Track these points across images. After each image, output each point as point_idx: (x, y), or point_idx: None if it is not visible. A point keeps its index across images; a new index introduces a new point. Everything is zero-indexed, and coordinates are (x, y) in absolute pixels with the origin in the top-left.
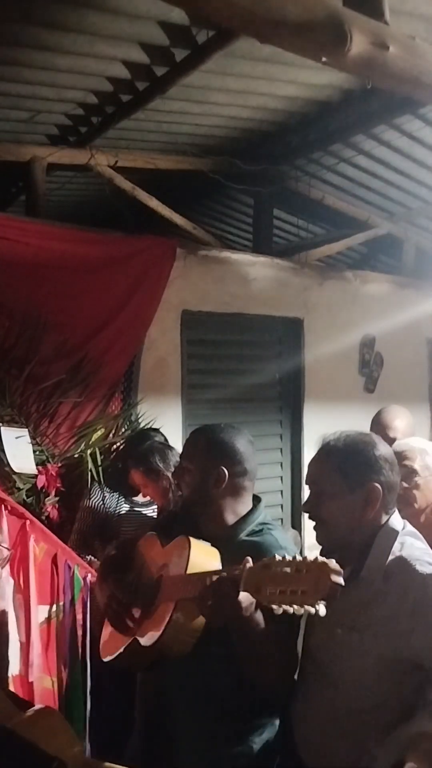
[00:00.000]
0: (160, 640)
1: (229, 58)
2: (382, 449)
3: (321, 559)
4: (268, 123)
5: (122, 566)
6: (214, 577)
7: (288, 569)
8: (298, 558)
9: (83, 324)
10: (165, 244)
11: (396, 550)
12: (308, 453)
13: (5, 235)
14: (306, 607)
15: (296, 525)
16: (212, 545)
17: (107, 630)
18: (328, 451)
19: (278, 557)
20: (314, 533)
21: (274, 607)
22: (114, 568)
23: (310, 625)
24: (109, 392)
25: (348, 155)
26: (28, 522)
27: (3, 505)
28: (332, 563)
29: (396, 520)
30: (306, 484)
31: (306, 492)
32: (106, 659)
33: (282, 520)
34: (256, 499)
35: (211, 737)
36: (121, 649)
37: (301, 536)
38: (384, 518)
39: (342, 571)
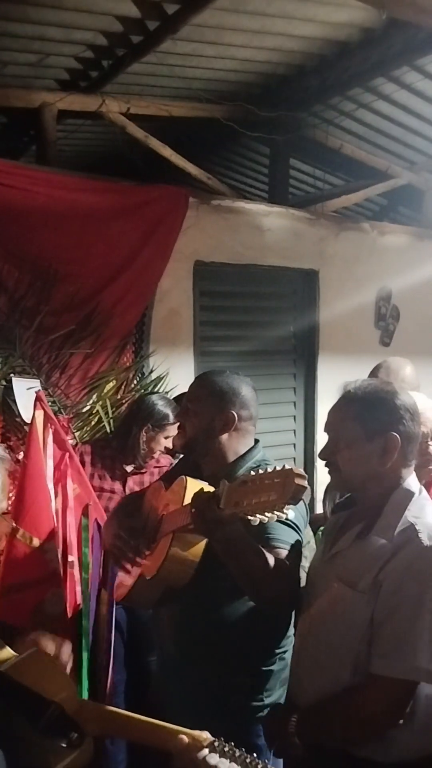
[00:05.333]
0: (160, 571)
1: None
2: (404, 398)
3: (288, 466)
4: (284, 66)
5: (129, 512)
6: (198, 499)
7: (261, 481)
8: (269, 470)
9: (94, 274)
10: (177, 193)
11: (409, 515)
12: (322, 407)
13: (14, 184)
14: (276, 512)
15: (309, 479)
16: (213, 483)
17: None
18: (348, 399)
19: (252, 473)
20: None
21: (250, 518)
22: (121, 514)
23: (311, 572)
24: (121, 344)
25: (367, 100)
26: (68, 455)
27: (50, 425)
28: (297, 469)
29: (413, 482)
30: (324, 431)
31: (321, 442)
32: (119, 600)
33: None
34: (255, 441)
35: (222, 669)
36: (131, 586)
37: (312, 490)
38: (402, 473)
39: (305, 475)
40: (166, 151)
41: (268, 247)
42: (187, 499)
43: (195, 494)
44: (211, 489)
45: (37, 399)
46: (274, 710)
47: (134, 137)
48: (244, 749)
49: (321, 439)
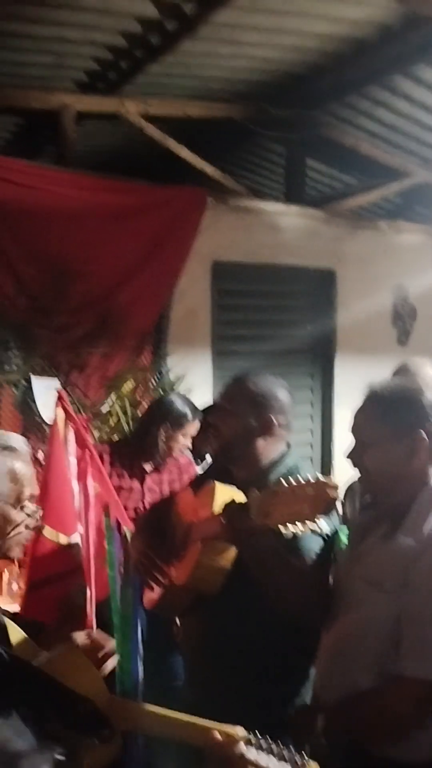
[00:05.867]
0: (190, 579)
1: None
2: (430, 397)
3: (320, 477)
4: (300, 64)
5: (155, 526)
6: (229, 509)
7: (293, 492)
8: (301, 480)
9: (111, 273)
10: (194, 193)
11: None
12: (339, 406)
13: (34, 184)
14: (308, 523)
15: None
16: (244, 488)
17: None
18: (373, 399)
19: (284, 482)
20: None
21: (282, 528)
22: (147, 528)
23: (337, 573)
24: (139, 344)
25: (384, 98)
26: (88, 453)
27: (71, 423)
28: (329, 479)
29: None
30: (350, 433)
31: (339, 441)
32: (149, 607)
33: None
34: (287, 445)
35: (253, 676)
36: (160, 594)
37: None
38: (430, 471)
39: (338, 485)
40: (183, 152)
41: (285, 246)
42: (217, 507)
43: (225, 505)
44: (241, 496)
45: (59, 397)
46: (299, 709)
47: (152, 138)
48: (279, 741)
49: (338, 438)
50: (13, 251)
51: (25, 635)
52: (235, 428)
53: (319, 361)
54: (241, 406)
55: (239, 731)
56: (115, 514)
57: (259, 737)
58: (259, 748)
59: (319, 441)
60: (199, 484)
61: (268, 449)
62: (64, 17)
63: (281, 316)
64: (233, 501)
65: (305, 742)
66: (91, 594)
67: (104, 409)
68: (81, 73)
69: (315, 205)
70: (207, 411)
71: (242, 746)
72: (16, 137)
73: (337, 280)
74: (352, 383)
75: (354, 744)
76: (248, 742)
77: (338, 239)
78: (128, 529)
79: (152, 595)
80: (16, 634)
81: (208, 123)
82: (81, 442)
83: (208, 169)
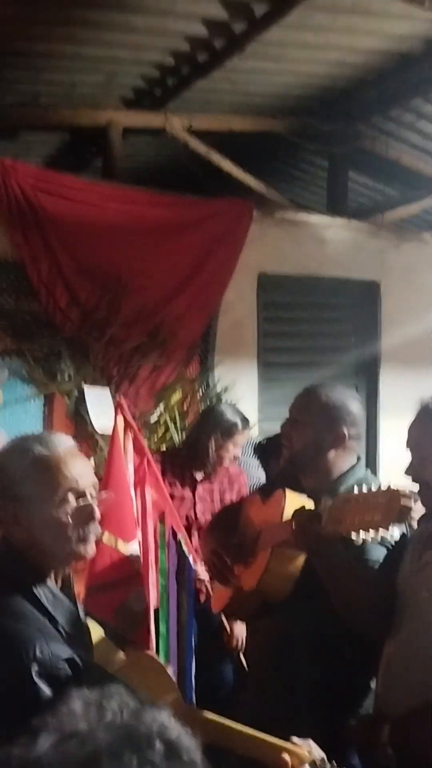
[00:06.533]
0: (259, 584)
1: (310, 10)
2: None
3: (393, 485)
4: (344, 79)
5: (226, 527)
6: (300, 516)
7: (365, 500)
8: (374, 489)
9: (161, 287)
10: (241, 206)
11: None
12: (384, 418)
13: (86, 200)
14: (381, 530)
15: None
16: (313, 497)
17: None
18: (428, 413)
19: (356, 490)
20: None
21: (353, 535)
22: (219, 529)
23: (400, 583)
24: (187, 355)
25: (427, 110)
26: (146, 460)
27: (129, 431)
28: (403, 489)
29: None
30: (407, 447)
31: (384, 453)
32: (216, 611)
33: None
34: (356, 458)
35: (320, 682)
36: (228, 598)
37: None
38: None
39: (411, 495)
40: (227, 165)
41: (330, 258)
42: (287, 514)
43: (296, 511)
44: (311, 503)
45: (118, 405)
46: (363, 719)
47: (196, 152)
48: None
49: (383, 450)
50: (67, 265)
51: (104, 636)
52: (306, 440)
53: (363, 372)
54: (313, 417)
55: (307, 753)
56: (170, 521)
57: (326, 762)
58: None
59: (363, 452)
60: (267, 490)
61: (338, 461)
62: (116, 38)
63: (326, 328)
64: (303, 508)
65: (370, 752)
66: (149, 600)
67: (152, 419)
68: (128, 90)
69: (357, 217)
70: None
71: None
72: (61, 153)
73: (382, 292)
74: (397, 395)
75: (418, 756)
76: (313, 765)
77: (382, 251)
78: (182, 537)
79: (221, 596)
80: (97, 634)
81: (251, 136)
82: (139, 450)
83: (252, 182)
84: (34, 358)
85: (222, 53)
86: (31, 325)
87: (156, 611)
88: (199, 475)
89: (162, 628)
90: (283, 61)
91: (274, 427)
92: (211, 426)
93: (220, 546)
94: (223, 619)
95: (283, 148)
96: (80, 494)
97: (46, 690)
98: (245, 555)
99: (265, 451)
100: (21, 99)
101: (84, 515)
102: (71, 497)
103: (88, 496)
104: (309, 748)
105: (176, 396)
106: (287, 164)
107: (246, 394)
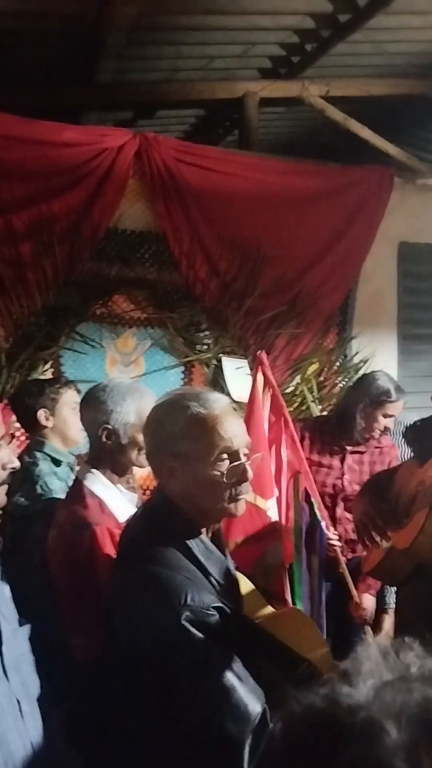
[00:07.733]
0: (413, 545)
1: None
2: None
3: None
4: None
5: (380, 489)
6: None
7: None
8: None
9: (300, 256)
10: (382, 173)
11: None
12: None
13: (225, 170)
14: None
15: None
16: None
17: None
18: None
19: None
20: None
21: None
22: (372, 491)
23: None
24: (325, 326)
25: None
26: (283, 419)
27: (269, 389)
28: None
29: None
30: None
31: None
32: (366, 570)
33: None
34: None
35: None
36: (380, 559)
37: None
38: None
39: None
40: (366, 132)
41: None
42: None
43: None
44: None
45: (259, 362)
46: None
47: (333, 120)
48: None
49: None
50: (207, 235)
51: (254, 588)
52: None
53: None
54: None
55: None
56: (304, 483)
57: None
58: None
59: None
60: (424, 457)
61: None
62: (257, 5)
63: None
64: None
65: None
66: (285, 554)
67: (288, 390)
68: (265, 60)
69: None
70: None
71: None
72: (196, 128)
73: None
74: None
75: None
76: None
77: None
78: (315, 499)
79: (374, 558)
80: (246, 587)
81: (390, 101)
82: (276, 409)
83: (392, 148)
84: (174, 328)
85: (366, 10)
86: (173, 296)
87: (290, 571)
88: (349, 446)
89: (298, 589)
90: (430, 14)
91: (415, 402)
92: (359, 394)
93: (372, 507)
94: (353, 589)
95: (425, 111)
96: (234, 454)
97: (196, 634)
98: (399, 518)
99: (423, 431)
100: (162, 76)
101: (237, 475)
102: (225, 456)
103: (242, 456)
104: None
105: (313, 367)
106: (427, 129)
107: (385, 367)
